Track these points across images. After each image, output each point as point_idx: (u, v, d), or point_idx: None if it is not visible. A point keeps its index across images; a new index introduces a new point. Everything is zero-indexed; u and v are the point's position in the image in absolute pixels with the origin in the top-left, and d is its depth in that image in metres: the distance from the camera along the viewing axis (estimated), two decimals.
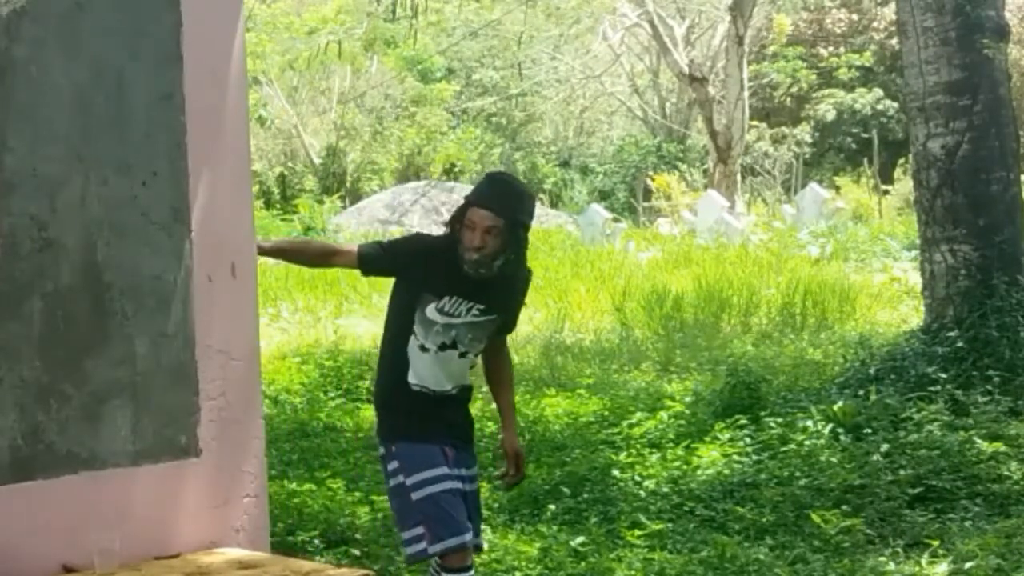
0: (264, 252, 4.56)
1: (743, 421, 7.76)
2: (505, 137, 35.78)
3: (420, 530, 4.37)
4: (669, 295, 13.44)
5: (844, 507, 6.27)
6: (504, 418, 4.74)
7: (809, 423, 7.56)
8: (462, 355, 4.48)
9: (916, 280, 11.25)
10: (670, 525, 6.26)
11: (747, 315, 12.92)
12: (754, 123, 30.68)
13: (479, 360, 4.68)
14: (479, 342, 4.52)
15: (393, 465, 4.46)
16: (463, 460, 4.53)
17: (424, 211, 27.05)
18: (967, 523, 6.07)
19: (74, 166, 3.68)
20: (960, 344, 8.22)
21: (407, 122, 34.85)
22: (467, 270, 4.37)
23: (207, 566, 3.76)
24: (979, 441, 6.98)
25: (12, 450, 3.56)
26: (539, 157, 35.32)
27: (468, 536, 4.39)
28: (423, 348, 4.45)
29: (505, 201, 4.40)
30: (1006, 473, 6.61)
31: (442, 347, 4.44)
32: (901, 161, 27.86)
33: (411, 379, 4.46)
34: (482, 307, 4.46)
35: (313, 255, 5.00)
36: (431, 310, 4.43)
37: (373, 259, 4.58)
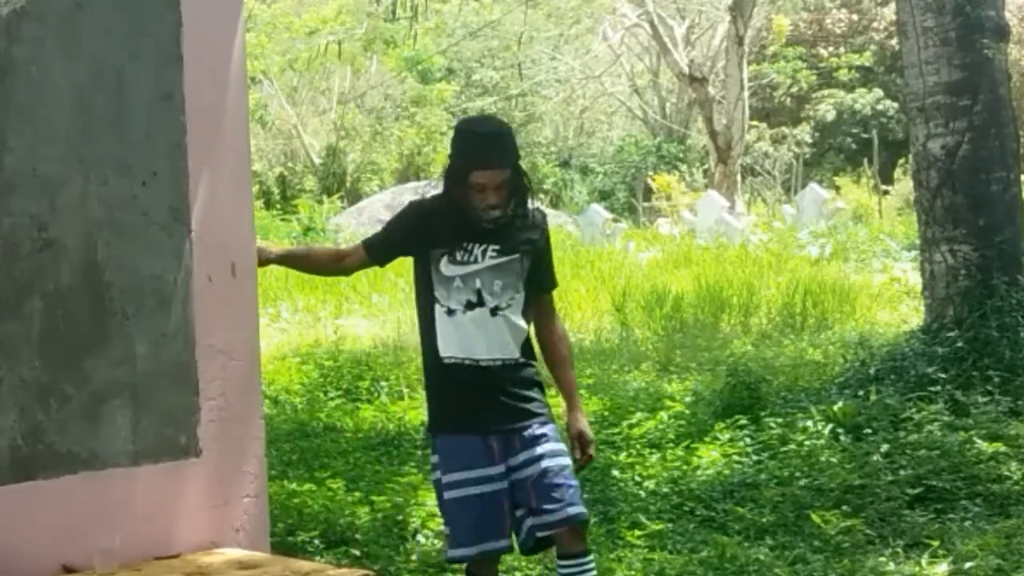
0: (271, 261, 4.45)
1: (743, 421, 7.76)
2: None
3: (449, 530, 4.27)
4: (669, 295, 13.44)
5: (844, 507, 6.27)
6: (565, 398, 4.42)
7: (809, 423, 7.56)
8: (494, 312, 4.18)
9: (916, 280, 11.24)
10: (670, 525, 6.26)
11: (747, 315, 12.92)
12: (754, 123, 30.68)
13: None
14: (510, 291, 4.21)
15: (434, 459, 4.29)
16: (517, 446, 4.20)
17: None
18: (967, 523, 6.06)
19: (74, 166, 3.69)
20: (960, 344, 8.22)
21: (407, 122, 34.85)
22: (488, 227, 4.17)
23: (207, 566, 3.76)
24: (979, 441, 6.98)
25: (12, 450, 3.56)
26: (539, 157, 35.30)
27: (498, 543, 4.19)
28: (450, 312, 4.19)
29: (503, 151, 4.21)
30: (1006, 473, 6.61)
31: (469, 305, 4.17)
32: (901, 161, 27.85)
33: (442, 352, 4.20)
34: (497, 247, 4.20)
35: (322, 262, 4.78)
36: (445, 265, 4.19)
37: (378, 245, 4.40)
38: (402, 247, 4.37)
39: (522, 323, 4.25)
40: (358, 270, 4.66)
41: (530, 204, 4.32)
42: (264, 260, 4.39)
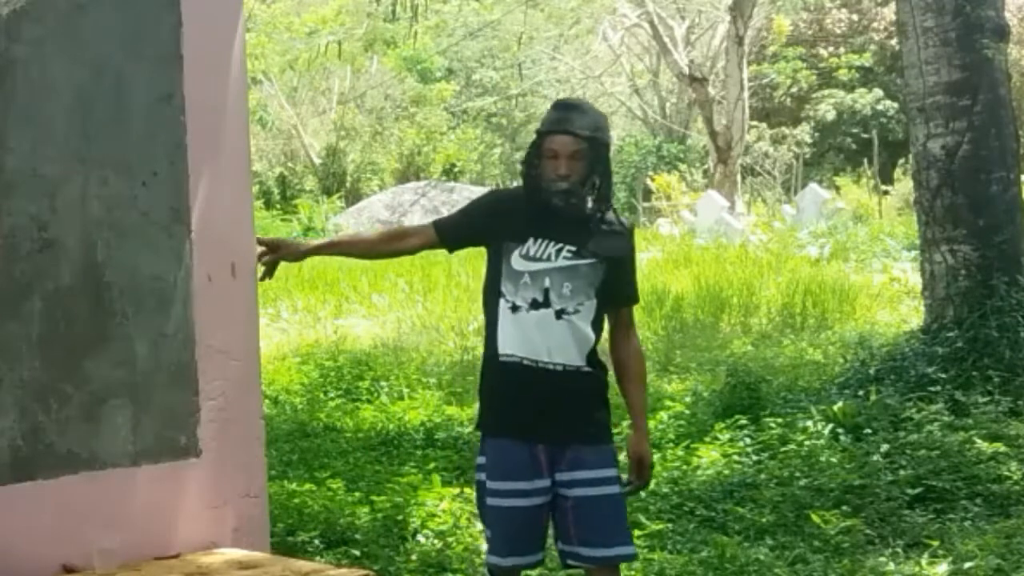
0: (306, 254, 4.33)
1: (743, 421, 7.76)
2: (505, 137, 35.79)
3: (490, 534, 4.09)
4: (669, 295, 13.44)
5: (844, 507, 6.27)
6: (631, 417, 4.17)
7: (809, 423, 7.56)
8: (559, 315, 3.92)
9: (916, 280, 11.25)
10: (670, 525, 6.25)
11: (747, 315, 12.92)
12: (754, 123, 30.68)
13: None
14: (579, 296, 3.95)
15: (480, 459, 4.08)
16: (566, 462, 3.97)
17: (424, 211, 27.04)
18: (967, 523, 6.06)
19: (74, 166, 3.68)
20: (960, 344, 8.22)
21: (407, 122, 34.87)
22: (557, 202, 3.94)
23: (207, 566, 3.76)
24: (979, 441, 6.98)
25: (12, 450, 3.56)
26: None
27: (530, 558, 4.02)
28: (514, 308, 3.94)
29: (583, 122, 3.98)
30: (1006, 473, 6.61)
31: (534, 304, 3.92)
32: (901, 161, 27.86)
33: (500, 349, 3.96)
34: (573, 248, 3.95)
35: (378, 243, 4.45)
36: (516, 258, 3.95)
37: (452, 228, 4.14)
38: (477, 233, 4.10)
39: (589, 332, 3.99)
40: (421, 251, 4.32)
41: (613, 211, 4.11)
42: (297, 254, 4.27)
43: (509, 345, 3.96)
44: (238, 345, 4.03)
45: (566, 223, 3.97)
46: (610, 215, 4.09)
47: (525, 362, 3.95)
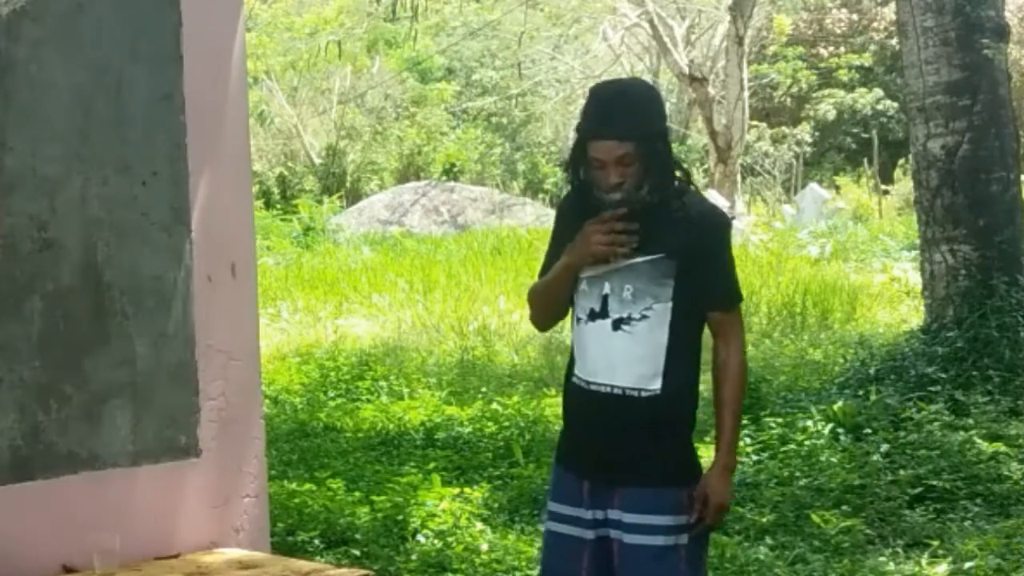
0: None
1: (743, 421, 7.75)
2: (505, 137, 35.76)
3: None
4: None
5: (844, 507, 6.27)
6: (715, 445, 3.56)
7: (809, 423, 7.56)
8: (617, 325, 3.39)
9: (916, 280, 11.25)
10: None
11: (747, 315, 12.91)
12: (754, 123, 30.67)
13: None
14: (645, 300, 3.40)
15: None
16: (616, 500, 3.43)
17: (424, 211, 27.02)
18: (967, 523, 6.07)
19: (74, 166, 3.69)
20: (960, 344, 8.23)
21: (407, 122, 34.85)
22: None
23: (207, 566, 3.76)
24: (979, 441, 6.99)
25: (12, 450, 3.57)
26: (539, 157, 35.32)
27: None
28: (577, 321, 3.47)
29: (624, 118, 3.38)
30: (1006, 473, 6.61)
31: (591, 316, 3.42)
32: (901, 161, 27.84)
33: (574, 370, 3.51)
34: (634, 246, 3.39)
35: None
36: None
37: (543, 272, 3.63)
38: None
39: (660, 345, 3.42)
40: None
41: (699, 198, 3.58)
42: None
43: (574, 364, 3.51)
44: (238, 345, 4.03)
45: (630, 218, 3.41)
46: (687, 200, 3.49)
47: (579, 384, 3.48)
